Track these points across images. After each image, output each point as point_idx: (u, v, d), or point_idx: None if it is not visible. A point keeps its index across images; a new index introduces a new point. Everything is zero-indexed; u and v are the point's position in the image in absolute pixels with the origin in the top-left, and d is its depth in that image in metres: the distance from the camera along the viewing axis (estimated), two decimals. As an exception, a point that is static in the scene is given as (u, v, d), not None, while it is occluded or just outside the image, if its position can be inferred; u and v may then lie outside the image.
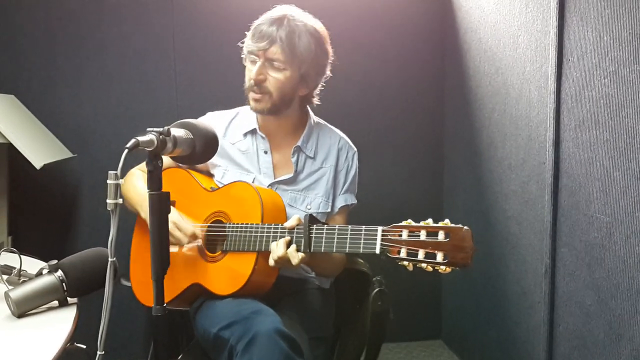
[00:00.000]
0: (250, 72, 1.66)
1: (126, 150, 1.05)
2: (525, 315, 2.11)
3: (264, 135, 1.75)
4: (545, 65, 1.90)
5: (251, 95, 1.68)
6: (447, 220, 1.31)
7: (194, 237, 1.61)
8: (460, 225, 1.29)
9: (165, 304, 1.14)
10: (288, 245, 1.48)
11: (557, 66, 1.82)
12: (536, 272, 2.00)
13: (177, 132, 1.18)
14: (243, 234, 1.56)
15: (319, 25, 1.68)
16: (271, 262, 1.50)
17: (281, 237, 1.50)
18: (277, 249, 1.48)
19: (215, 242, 1.64)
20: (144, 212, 1.66)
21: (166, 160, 1.25)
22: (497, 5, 2.25)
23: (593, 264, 1.69)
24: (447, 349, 2.90)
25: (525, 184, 2.07)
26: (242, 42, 1.69)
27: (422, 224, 1.33)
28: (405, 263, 1.32)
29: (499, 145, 2.28)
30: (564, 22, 1.79)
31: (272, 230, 1.52)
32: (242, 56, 1.70)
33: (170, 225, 1.57)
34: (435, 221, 1.33)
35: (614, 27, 1.56)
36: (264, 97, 1.65)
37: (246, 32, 1.69)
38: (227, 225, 1.60)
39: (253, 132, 1.76)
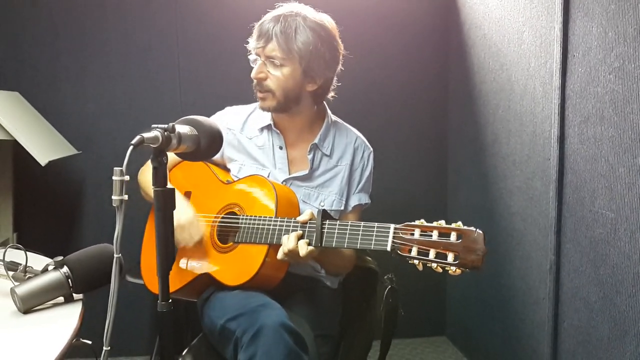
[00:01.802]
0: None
1: (131, 147, 1.05)
2: (530, 311, 2.11)
3: (278, 131, 1.75)
4: (550, 61, 1.90)
5: (256, 94, 1.69)
6: (459, 222, 1.31)
7: (200, 243, 1.63)
8: (472, 228, 1.29)
9: (170, 299, 1.14)
10: (299, 239, 1.49)
11: (562, 62, 1.81)
12: (541, 268, 2.00)
13: (182, 128, 1.18)
14: (255, 226, 1.57)
15: (321, 20, 1.67)
16: (280, 255, 1.51)
17: (293, 230, 1.51)
18: (288, 242, 1.48)
19: (227, 233, 1.65)
20: None
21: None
22: (502, 0, 2.24)
23: (598, 260, 1.69)
24: (451, 345, 2.90)
25: (529, 180, 2.07)
26: (248, 42, 1.70)
27: (434, 224, 1.33)
28: (416, 262, 1.33)
29: (503, 142, 2.27)
30: (569, 17, 1.79)
31: (284, 223, 1.53)
32: (249, 56, 1.70)
33: (188, 221, 1.60)
34: (448, 222, 1.33)
35: (619, 22, 1.55)
36: (267, 96, 1.66)
37: (250, 28, 1.69)
38: (241, 217, 1.61)
39: (268, 127, 1.77)
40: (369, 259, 1.84)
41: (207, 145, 1.22)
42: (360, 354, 1.72)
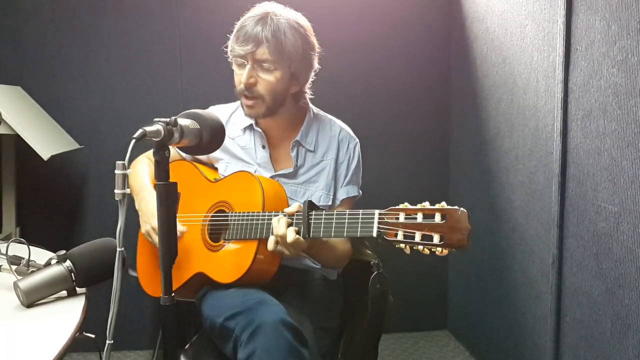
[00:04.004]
0: (240, 76, 1.63)
1: (133, 141, 1.06)
2: (532, 305, 2.11)
3: (261, 130, 1.74)
4: (552, 54, 1.89)
5: (243, 100, 1.66)
6: (443, 203, 1.30)
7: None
8: (456, 207, 1.28)
9: (173, 294, 1.14)
10: (288, 226, 1.47)
11: (564, 55, 1.80)
12: (543, 262, 2.00)
13: (184, 122, 1.18)
14: (244, 222, 1.57)
15: (301, 19, 1.66)
16: (271, 246, 1.47)
17: None
18: (279, 226, 1.46)
19: (218, 231, 1.65)
20: (139, 202, 1.66)
21: (171, 152, 1.24)
22: (505, -6, 2.23)
23: (600, 254, 1.68)
24: (453, 339, 2.91)
25: (532, 174, 2.07)
26: (226, 47, 1.67)
27: (418, 206, 1.32)
28: (402, 246, 1.32)
29: (506, 136, 2.27)
30: (572, 10, 1.78)
31: (272, 217, 1.53)
32: (229, 60, 1.67)
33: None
34: (433, 204, 1.33)
35: (623, 15, 1.54)
36: (257, 102, 1.64)
37: (228, 35, 1.66)
38: (230, 214, 1.61)
39: (250, 127, 1.75)
40: (369, 252, 1.83)
41: (209, 139, 1.22)
42: (361, 348, 1.72)
